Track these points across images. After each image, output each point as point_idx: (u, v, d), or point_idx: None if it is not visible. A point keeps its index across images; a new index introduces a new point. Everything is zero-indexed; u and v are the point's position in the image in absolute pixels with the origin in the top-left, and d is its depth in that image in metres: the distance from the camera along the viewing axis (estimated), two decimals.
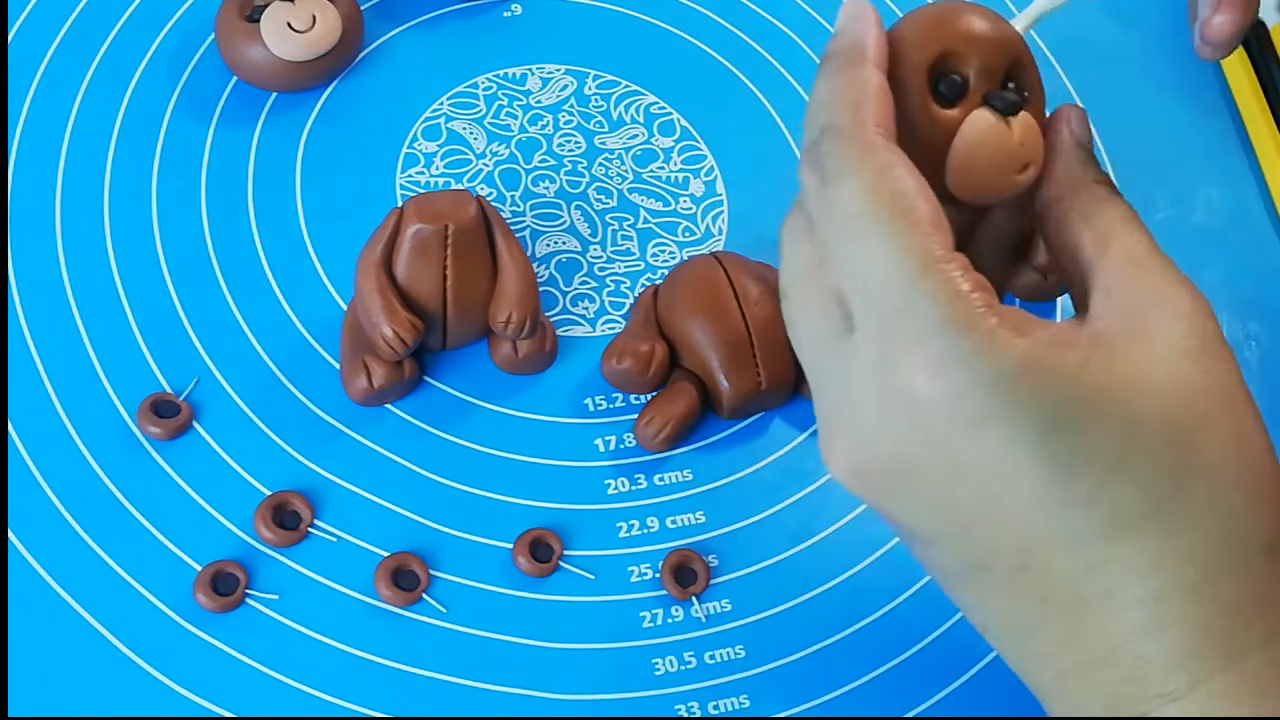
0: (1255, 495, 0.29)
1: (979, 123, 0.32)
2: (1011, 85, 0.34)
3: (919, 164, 0.31)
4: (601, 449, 0.47)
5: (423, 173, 0.53)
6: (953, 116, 0.33)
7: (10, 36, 0.53)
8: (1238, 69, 0.60)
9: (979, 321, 0.29)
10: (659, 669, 0.44)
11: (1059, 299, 0.53)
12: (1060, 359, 0.29)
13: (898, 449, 0.30)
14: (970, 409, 0.29)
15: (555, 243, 0.52)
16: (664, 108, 0.55)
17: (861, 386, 0.30)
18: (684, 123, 0.55)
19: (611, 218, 0.53)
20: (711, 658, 0.44)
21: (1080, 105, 0.34)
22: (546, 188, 0.53)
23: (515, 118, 0.54)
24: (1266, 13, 0.62)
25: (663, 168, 0.54)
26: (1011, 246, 0.37)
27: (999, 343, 0.29)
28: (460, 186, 0.52)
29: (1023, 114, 0.33)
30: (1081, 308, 0.32)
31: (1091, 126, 0.34)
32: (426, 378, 0.48)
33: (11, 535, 0.43)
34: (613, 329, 0.50)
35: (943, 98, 0.33)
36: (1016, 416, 0.28)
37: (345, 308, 0.48)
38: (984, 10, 0.34)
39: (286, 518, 0.44)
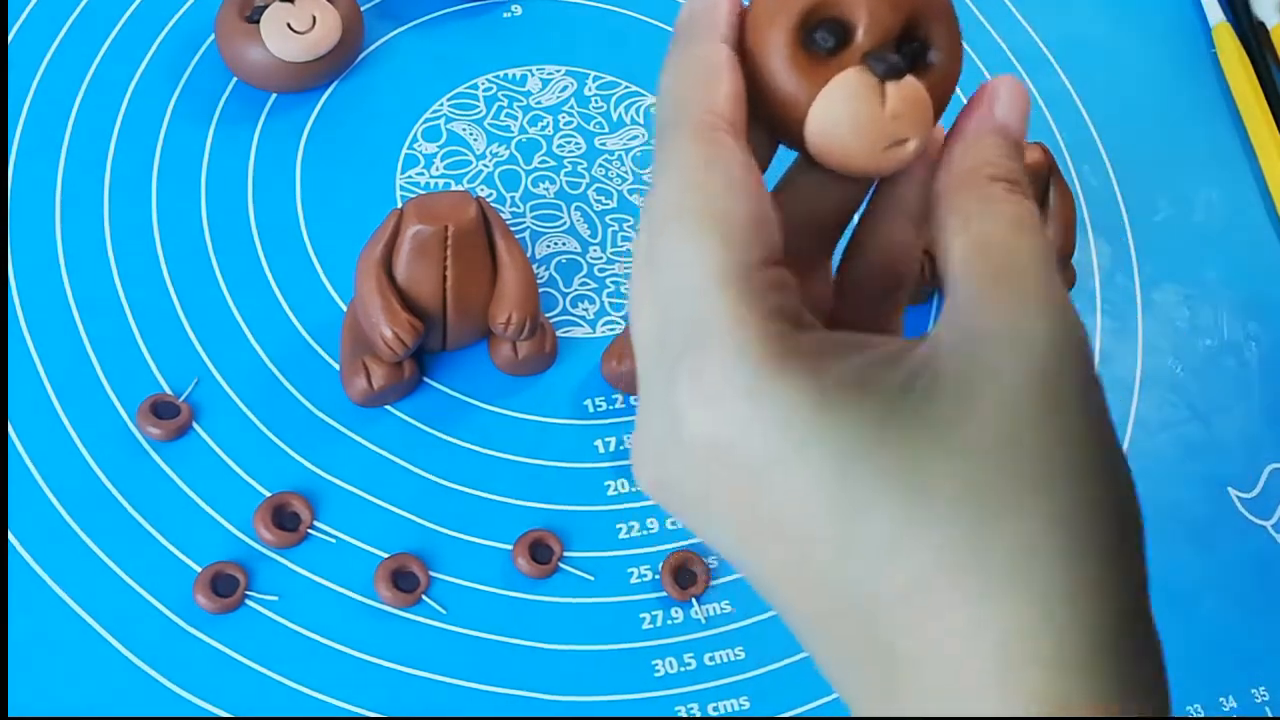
0: (1066, 589, 0.24)
1: (844, 86, 0.28)
2: (916, 44, 0.28)
3: (783, 126, 0.28)
4: (601, 450, 0.47)
5: (423, 173, 0.53)
6: (822, 74, 0.28)
7: (10, 36, 0.53)
8: (1238, 69, 0.60)
9: (770, 345, 0.25)
10: (659, 670, 0.44)
11: None
12: (862, 397, 0.25)
13: (682, 475, 0.27)
14: (747, 455, 0.25)
15: (555, 244, 0.52)
16: None
17: (658, 402, 0.27)
18: None
19: (611, 219, 0.53)
20: (711, 659, 0.44)
21: (1020, 84, 0.29)
22: (546, 189, 0.53)
23: (515, 119, 0.54)
24: (1266, 13, 0.62)
25: None
26: (914, 227, 0.31)
27: (790, 372, 0.25)
28: (460, 187, 0.52)
29: (908, 79, 0.28)
30: None
31: (1025, 107, 0.29)
32: (426, 379, 0.48)
33: (11, 535, 0.43)
34: (612, 330, 0.50)
35: (816, 48, 0.28)
36: (797, 469, 0.25)
37: (345, 308, 0.48)
38: None
39: (286, 519, 0.44)
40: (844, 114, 0.28)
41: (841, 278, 0.31)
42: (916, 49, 0.28)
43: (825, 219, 0.31)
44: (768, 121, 0.29)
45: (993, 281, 0.26)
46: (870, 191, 0.31)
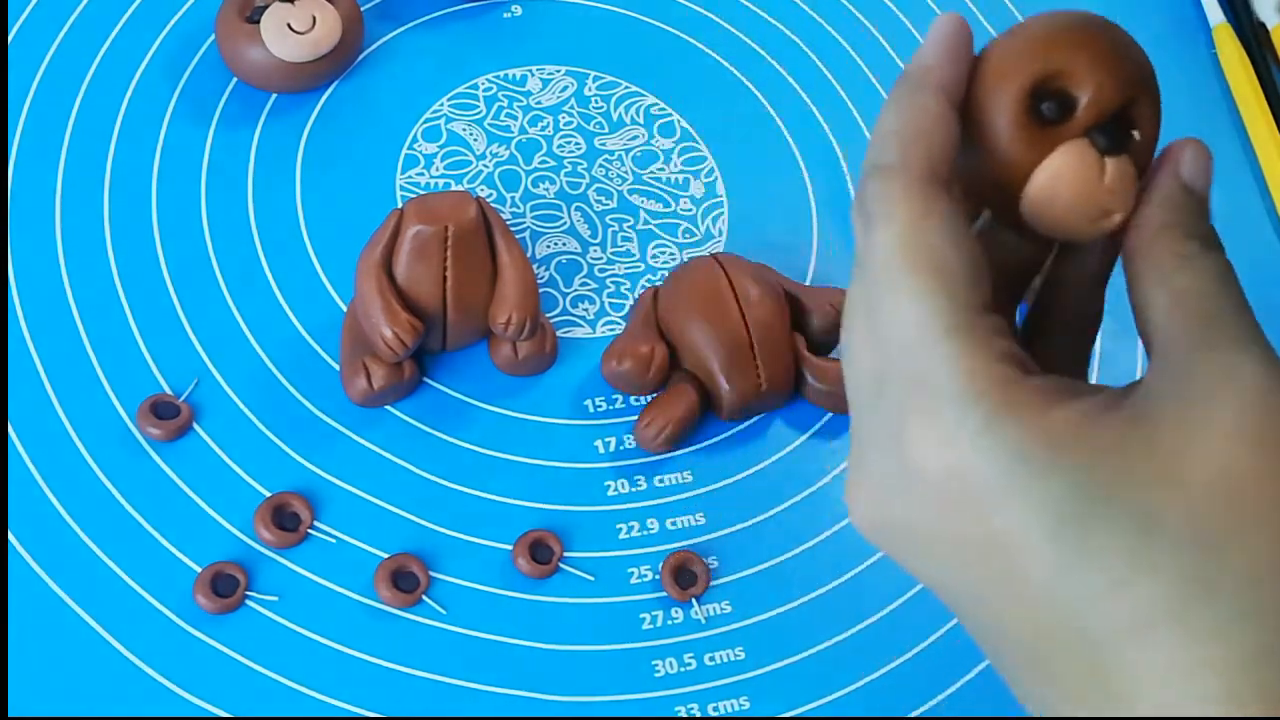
0: None
1: (1071, 155, 0.29)
2: (1127, 121, 0.30)
3: (996, 186, 0.30)
4: (601, 450, 0.47)
5: (423, 174, 0.53)
6: (1048, 140, 0.29)
7: (10, 36, 0.53)
8: (1238, 69, 0.60)
9: (1000, 391, 0.26)
10: (659, 670, 0.44)
11: None
12: (1089, 437, 0.26)
13: (909, 516, 0.28)
14: (980, 487, 0.26)
15: (555, 244, 0.52)
16: (664, 109, 0.55)
17: (881, 446, 0.28)
18: (684, 124, 0.55)
19: (611, 219, 0.53)
20: (711, 659, 0.44)
21: (1204, 146, 0.30)
22: (546, 189, 0.53)
23: (515, 119, 0.54)
24: (1266, 13, 0.62)
25: (663, 169, 0.54)
26: (1098, 285, 0.34)
27: (1019, 416, 0.26)
28: (460, 188, 0.52)
29: (1124, 156, 0.30)
30: None
31: (1208, 166, 0.30)
32: (426, 379, 0.48)
33: (11, 535, 0.43)
34: (613, 330, 0.50)
35: (1043, 118, 0.29)
36: (1030, 499, 0.26)
37: (345, 309, 0.48)
38: (1114, 30, 0.30)
39: (286, 519, 0.44)
40: (1068, 183, 0.29)
41: (1030, 335, 0.33)
42: (1126, 125, 0.30)
43: (1013, 275, 0.32)
44: (977, 178, 0.30)
45: (1201, 330, 0.28)
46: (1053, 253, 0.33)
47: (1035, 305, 0.33)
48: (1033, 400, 0.27)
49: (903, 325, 0.28)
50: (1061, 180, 0.29)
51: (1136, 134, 0.30)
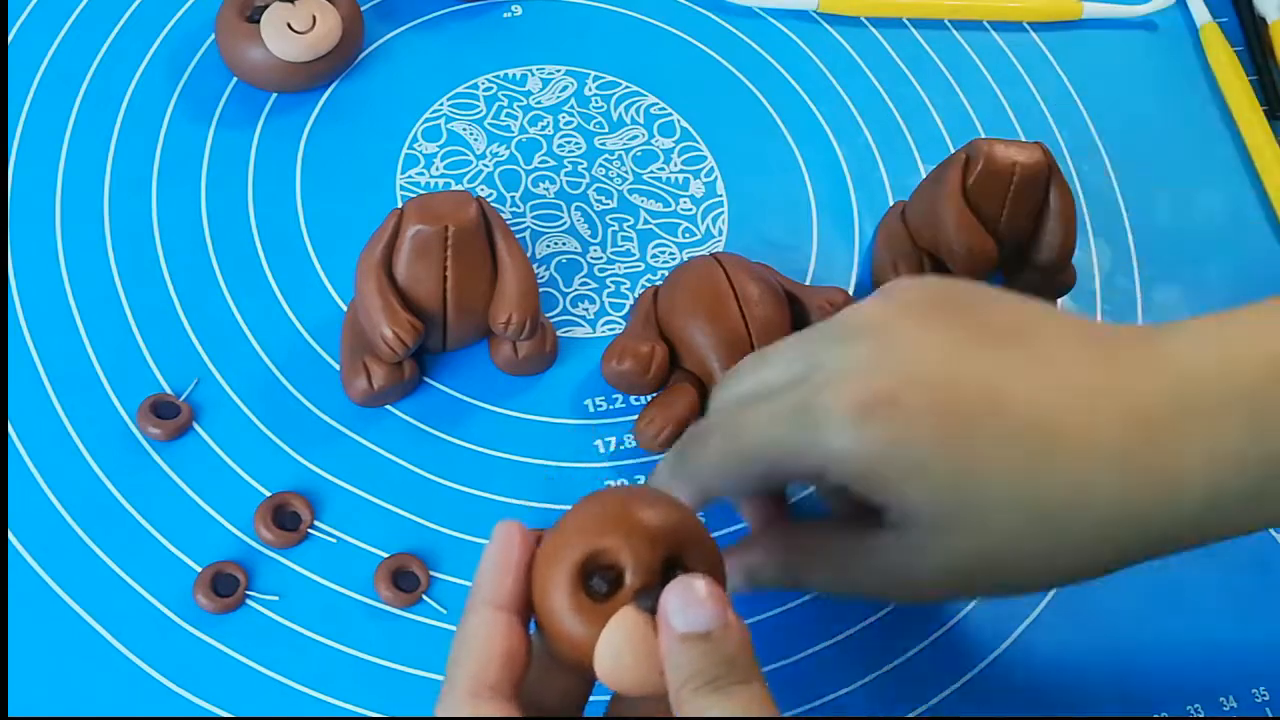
0: None
1: (623, 624, 0.32)
2: (679, 572, 0.32)
3: (573, 662, 0.32)
4: (602, 450, 0.47)
5: (423, 173, 0.53)
6: (605, 613, 0.32)
7: (10, 36, 0.53)
8: (1227, 69, 0.60)
9: None
10: None
11: (1059, 299, 0.53)
12: None
13: None
14: None
15: (555, 244, 0.52)
16: (664, 109, 0.55)
17: None
18: (684, 124, 0.55)
19: (612, 219, 0.53)
20: None
21: (688, 582, 0.32)
22: (547, 189, 0.53)
23: (515, 119, 0.54)
24: (1267, 8, 0.62)
25: (663, 169, 0.54)
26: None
27: None
28: (460, 187, 0.52)
29: None
30: None
31: (700, 600, 0.32)
32: (426, 379, 0.48)
33: (11, 535, 0.43)
34: (613, 330, 0.50)
35: (595, 593, 0.32)
36: None
37: (345, 308, 0.48)
38: (645, 497, 0.33)
39: (286, 519, 0.44)
40: (626, 650, 0.32)
41: None
42: (679, 573, 0.32)
43: (563, 706, 0.35)
44: (560, 656, 0.33)
45: None
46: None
47: None
48: None
49: None
50: (619, 648, 0.32)
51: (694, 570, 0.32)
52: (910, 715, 0.44)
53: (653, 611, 0.32)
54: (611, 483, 0.47)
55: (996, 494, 0.34)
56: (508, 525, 0.34)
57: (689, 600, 0.31)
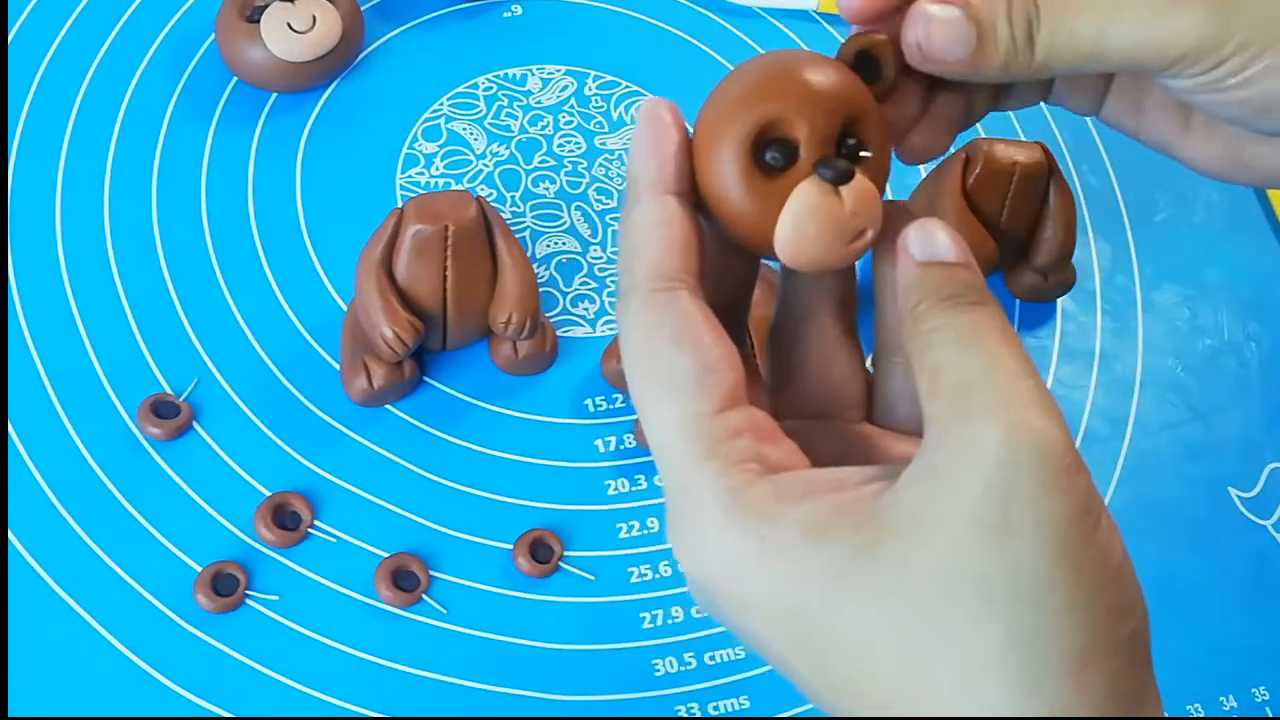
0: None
1: (806, 196, 0.30)
2: (851, 141, 0.30)
3: (752, 243, 0.30)
4: (601, 450, 0.47)
5: (423, 173, 0.53)
6: (781, 188, 0.30)
7: (10, 36, 0.53)
8: None
9: (724, 500, 0.28)
10: (659, 670, 0.44)
11: (1059, 299, 0.53)
12: (821, 540, 0.27)
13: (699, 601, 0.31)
14: (725, 597, 0.28)
15: (555, 243, 0.52)
16: None
17: (674, 525, 0.30)
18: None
19: (612, 218, 0.53)
20: (712, 658, 0.44)
21: (930, 221, 0.30)
22: (547, 188, 0.53)
23: (515, 118, 0.54)
24: None
25: None
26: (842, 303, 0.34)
27: (739, 527, 0.28)
28: (460, 187, 0.52)
29: (857, 178, 0.30)
30: None
31: (936, 232, 0.30)
32: (426, 378, 0.48)
33: (11, 535, 0.43)
34: (613, 330, 0.50)
35: (770, 168, 0.30)
36: (763, 611, 0.28)
37: (345, 308, 0.48)
38: (813, 61, 0.30)
39: (286, 518, 0.44)
40: (810, 224, 0.30)
41: (779, 363, 0.34)
42: (854, 146, 0.30)
43: (734, 294, 0.34)
44: (734, 241, 0.31)
45: (951, 402, 0.27)
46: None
47: (781, 336, 0.34)
48: (756, 509, 0.28)
49: (650, 429, 0.29)
50: (803, 222, 0.30)
51: (865, 152, 0.30)
52: None
53: (834, 182, 0.30)
54: (611, 483, 0.47)
55: None
56: (655, 103, 0.31)
57: (927, 237, 0.30)
